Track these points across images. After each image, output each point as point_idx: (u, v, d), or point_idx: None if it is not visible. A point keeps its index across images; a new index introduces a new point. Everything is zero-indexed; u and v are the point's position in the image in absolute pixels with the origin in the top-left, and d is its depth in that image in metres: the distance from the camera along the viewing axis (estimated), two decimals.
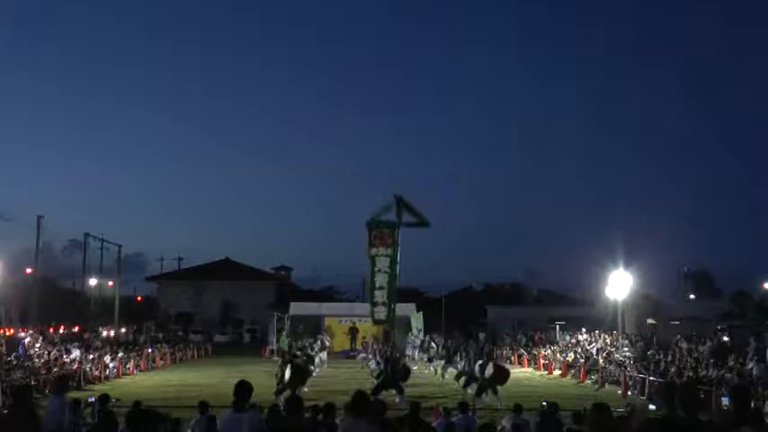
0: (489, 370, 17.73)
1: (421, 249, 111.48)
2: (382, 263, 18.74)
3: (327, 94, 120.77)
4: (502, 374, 17.99)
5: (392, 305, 19.28)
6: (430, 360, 27.27)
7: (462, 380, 19.77)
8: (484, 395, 17.43)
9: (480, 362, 18.81)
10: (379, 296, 19.11)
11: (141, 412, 7.00)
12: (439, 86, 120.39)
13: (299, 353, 21.31)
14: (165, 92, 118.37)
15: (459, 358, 21.93)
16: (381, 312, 19.19)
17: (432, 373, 25.49)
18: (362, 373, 24.96)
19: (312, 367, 20.99)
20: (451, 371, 22.59)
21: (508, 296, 54.84)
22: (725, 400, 15.06)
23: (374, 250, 18.75)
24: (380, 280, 18.93)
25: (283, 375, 17.33)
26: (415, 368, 27.18)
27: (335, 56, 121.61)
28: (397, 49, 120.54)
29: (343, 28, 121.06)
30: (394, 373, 18.08)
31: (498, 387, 17.49)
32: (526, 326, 41.35)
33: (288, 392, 16.41)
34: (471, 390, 18.35)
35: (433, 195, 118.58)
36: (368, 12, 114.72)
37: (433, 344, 30.61)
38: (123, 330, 40.43)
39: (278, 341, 33.26)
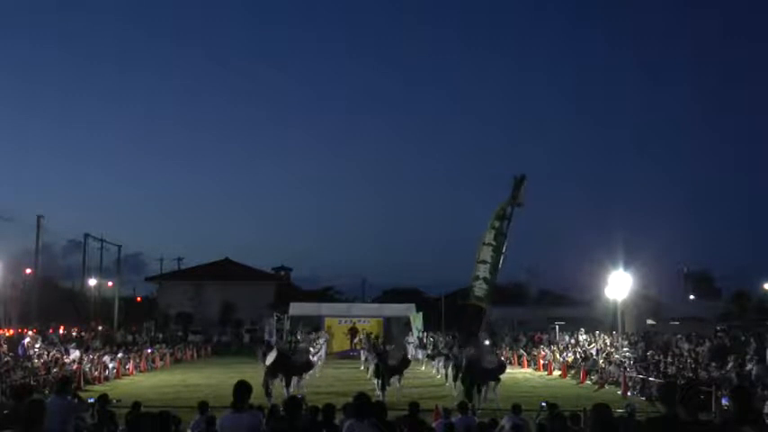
0: (492, 361, 17.81)
1: (421, 249, 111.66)
2: (490, 235, 18.02)
3: (326, 95, 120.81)
4: (502, 366, 18.16)
5: (493, 283, 18.60)
6: (431, 357, 27.23)
7: (456, 375, 19.87)
8: (484, 390, 17.46)
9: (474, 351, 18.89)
10: (482, 270, 18.31)
11: (164, 417, 6.97)
12: (439, 87, 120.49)
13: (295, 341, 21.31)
14: (165, 92, 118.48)
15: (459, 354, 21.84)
16: (481, 289, 18.47)
17: (434, 373, 25.42)
18: (362, 374, 24.96)
19: (312, 358, 21.00)
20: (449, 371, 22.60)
21: (508, 296, 54.79)
22: (725, 401, 15.06)
23: (489, 222, 18.15)
24: (484, 253, 18.15)
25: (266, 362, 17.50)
26: (422, 368, 27.30)
27: (335, 57, 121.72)
28: (397, 49, 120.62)
29: (343, 29, 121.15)
30: (403, 361, 18.21)
31: (496, 383, 17.56)
32: (526, 326, 41.35)
33: (271, 382, 16.61)
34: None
35: (432, 196, 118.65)
36: (367, 12, 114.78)
37: (431, 339, 30.64)
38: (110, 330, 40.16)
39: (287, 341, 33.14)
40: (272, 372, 17.28)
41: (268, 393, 16.41)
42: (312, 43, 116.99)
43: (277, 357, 17.48)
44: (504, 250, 18.25)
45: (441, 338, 30.11)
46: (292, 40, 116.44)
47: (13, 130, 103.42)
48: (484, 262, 18.21)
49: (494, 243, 17.95)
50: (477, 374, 17.27)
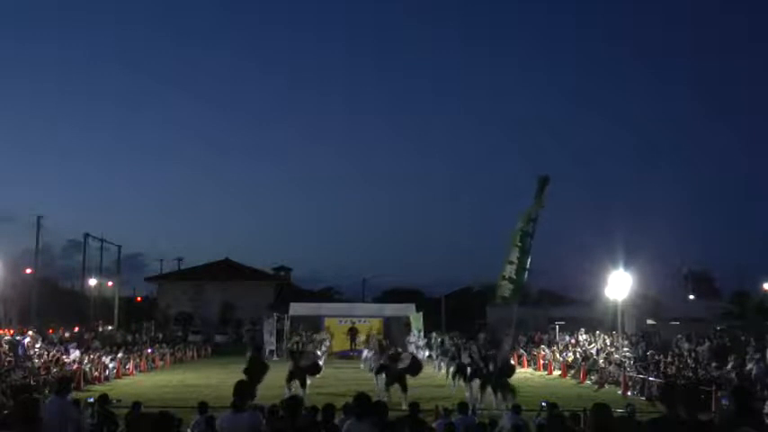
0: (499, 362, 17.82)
1: (421, 249, 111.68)
2: (516, 237, 18.28)
3: (326, 95, 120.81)
4: (510, 368, 18.19)
5: (520, 283, 18.70)
6: (436, 357, 27.25)
7: (456, 375, 19.87)
8: (486, 391, 17.45)
9: (485, 354, 18.87)
10: (508, 271, 18.54)
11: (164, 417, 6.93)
12: (439, 86, 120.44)
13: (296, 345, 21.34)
14: (165, 93, 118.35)
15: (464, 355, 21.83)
16: (507, 289, 18.64)
17: (435, 372, 25.41)
18: (362, 374, 24.94)
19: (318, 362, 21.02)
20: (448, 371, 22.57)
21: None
22: (724, 401, 15.07)
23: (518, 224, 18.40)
24: (512, 254, 18.37)
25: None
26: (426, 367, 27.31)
27: (333, 57, 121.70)
28: (396, 49, 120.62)
29: (341, 29, 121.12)
30: (414, 364, 18.20)
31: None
32: (526, 326, 41.30)
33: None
34: (472, 385, 18.37)
35: (432, 195, 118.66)
36: (366, 13, 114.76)
37: (439, 340, 30.67)
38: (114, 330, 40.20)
39: (288, 341, 33.09)
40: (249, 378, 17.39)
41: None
42: (312, 43, 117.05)
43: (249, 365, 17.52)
44: (529, 250, 18.37)
45: (447, 339, 30.07)
46: (292, 40, 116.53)
47: (14, 130, 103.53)
48: (511, 263, 18.38)
49: (519, 244, 18.12)
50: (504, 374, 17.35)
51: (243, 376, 16.62)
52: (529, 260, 18.07)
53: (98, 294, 45.55)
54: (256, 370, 16.86)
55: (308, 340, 26.90)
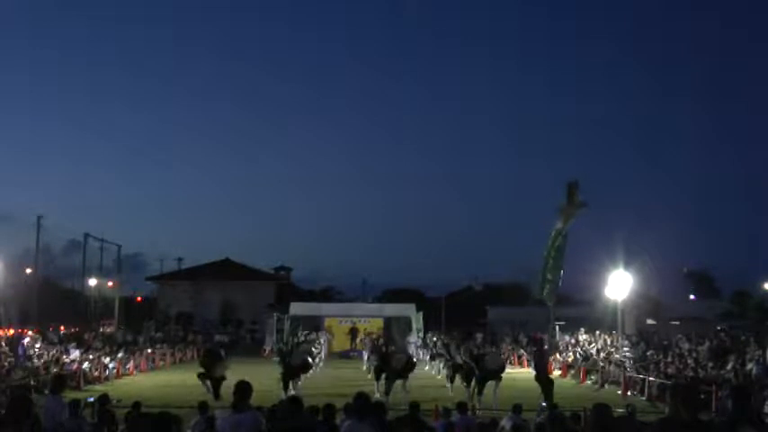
0: (493, 361, 17.86)
1: (421, 249, 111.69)
2: (553, 238, 18.54)
3: (326, 95, 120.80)
4: (500, 365, 18.28)
5: (553, 281, 18.91)
6: (432, 358, 27.24)
7: (452, 375, 19.91)
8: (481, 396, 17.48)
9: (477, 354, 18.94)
10: (546, 270, 18.79)
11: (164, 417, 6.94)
12: (438, 87, 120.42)
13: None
14: (165, 92, 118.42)
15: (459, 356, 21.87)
16: (542, 288, 18.93)
17: (435, 374, 25.41)
18: (362, 374, 24.95)
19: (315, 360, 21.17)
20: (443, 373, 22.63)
21: (508, 296, 54.70)
22: (723, 412, 15.04)
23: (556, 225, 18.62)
24: (547, 255, 18.60)
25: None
26: (426, 368, 27.30)
27: (334, 57, 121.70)
28: (396, 49, 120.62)
29: (342, 29, 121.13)
30: (408, 364, 18.31)
31: (497, 383, 17.59)
32: (527, 326, 41.26)
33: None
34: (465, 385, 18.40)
35: (432, 195, 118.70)
36: (367, 13, 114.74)
37: (435, 339, 30.68)
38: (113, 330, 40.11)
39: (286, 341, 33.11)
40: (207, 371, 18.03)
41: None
42: (312, 43, 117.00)
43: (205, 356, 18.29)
44: (563, 248, 18.51)
45: (441, 340, 30.10)
46: (292, 40, 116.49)
47: (14, 130, 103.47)
48: (547, 262, 18.54)
49: (556, 245, 18.28)
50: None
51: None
52: (562, 260, 18.19)
53: (98, 294, 45.53)
54: (211, 363, 17.46)
55: (302, 340, 26.93)
